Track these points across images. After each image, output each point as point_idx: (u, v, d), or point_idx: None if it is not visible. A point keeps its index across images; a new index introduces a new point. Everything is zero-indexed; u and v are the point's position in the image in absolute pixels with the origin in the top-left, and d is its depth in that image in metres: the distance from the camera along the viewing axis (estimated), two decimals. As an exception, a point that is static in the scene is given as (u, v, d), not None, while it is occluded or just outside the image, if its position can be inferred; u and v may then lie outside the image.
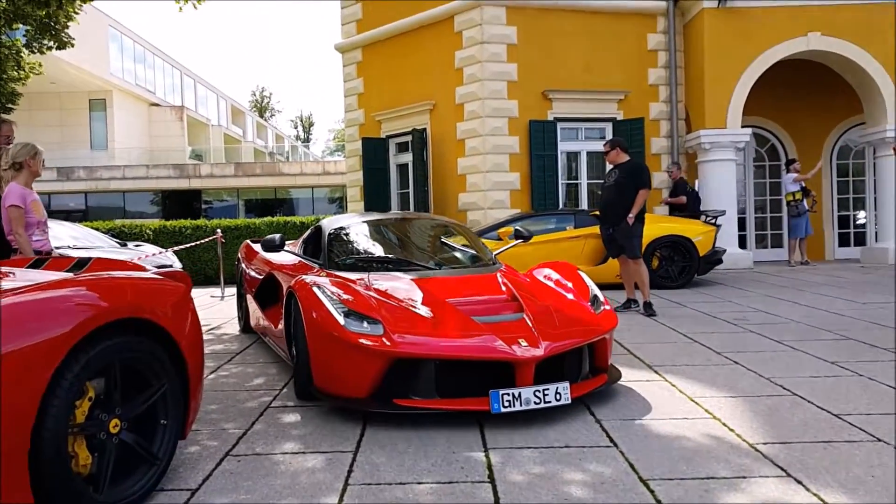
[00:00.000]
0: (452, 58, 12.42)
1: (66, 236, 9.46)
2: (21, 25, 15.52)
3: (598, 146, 12.67)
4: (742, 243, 13.73)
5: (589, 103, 12.54)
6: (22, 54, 16.71)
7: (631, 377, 4.36)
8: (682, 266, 9.49)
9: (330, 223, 5.42)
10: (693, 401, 3.85)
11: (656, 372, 4.54)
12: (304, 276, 4.30)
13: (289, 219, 13.23)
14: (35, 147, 4.60)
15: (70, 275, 2.92)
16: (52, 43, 16.70)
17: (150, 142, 37.84)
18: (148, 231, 11.63)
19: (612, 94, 12.61)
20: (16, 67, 16.65)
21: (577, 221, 9.57)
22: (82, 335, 2.39)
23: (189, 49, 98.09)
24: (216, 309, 8.28)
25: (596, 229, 9.31)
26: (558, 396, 3.45)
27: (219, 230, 9.79)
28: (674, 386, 4.18)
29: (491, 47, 11.99)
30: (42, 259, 3.77)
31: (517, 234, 5.91)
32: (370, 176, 13.50)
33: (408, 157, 13.32)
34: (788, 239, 13.24)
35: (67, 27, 16.25)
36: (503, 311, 3.89)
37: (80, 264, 3.50)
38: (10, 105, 16.61)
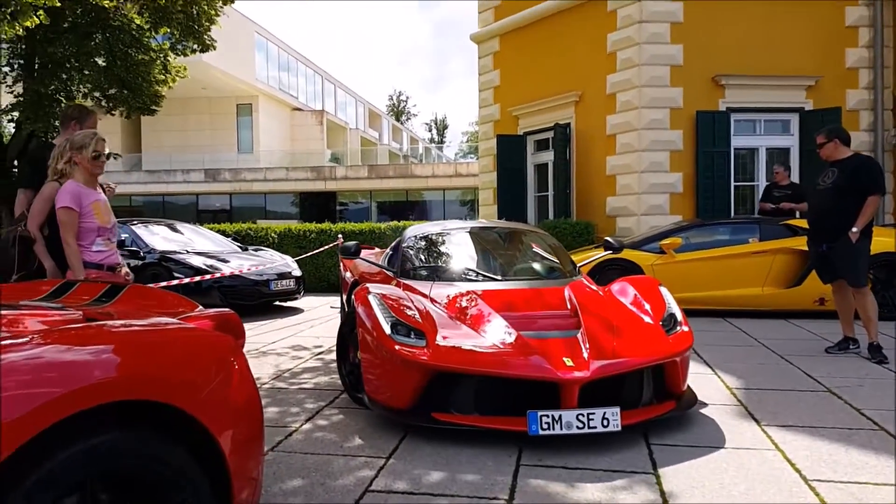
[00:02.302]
0: (604, 41, 10.85)
1: (182, 240, 9.00)
2: (167, 29, 15.83)
3: (781, 141, 10.62)
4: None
5: (770, 90, 10.46)
6: (169, 58, 17.16)
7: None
8: (905, 292, 7.36)
9: (411, 231, 5.52)
10: None
11: None
12: (368, 284, 4.28)
13: (410, 223, 12.26)
14: (84, 138, 3.67)
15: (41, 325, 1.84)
16: (195, 45, 16.90)
17: (291, 145, 39.04)
18: (273, 234, 11.08)
19: (800, 79, 10.45)
20: (163, 71, 17.10)
21: (764, 233, 7.71)
22: (31, 434, 1.30)
23: (330, 54, 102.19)
24: (332, 324, 7.36)
25: (788, 242, 7.47)
26: (605, 423, 3.16)
27: (340, 235, 8.92)
28: None
29: (651, 27, 10.29)
30: (70, 283, 2.79)
31: (607, 245, 5.50)
32: (505, 177, 12.21)
33: (548, 156, 11.89)
34: None
35: (209, 29, 16.39)
36: (559, 328, 3.69)
37: (112, 292, 2.48)
38: (153, 107, 17.07)
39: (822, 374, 4.62)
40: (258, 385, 4.58)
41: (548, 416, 3.17)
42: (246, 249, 9.35)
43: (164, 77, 17.10)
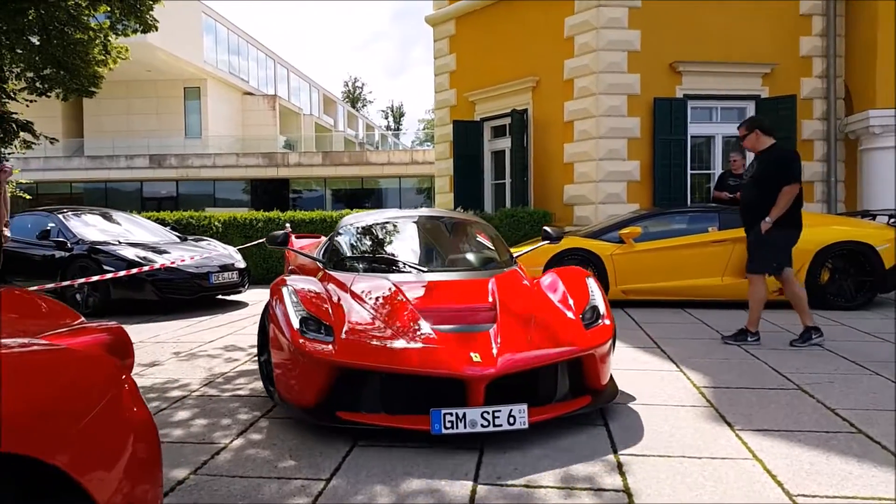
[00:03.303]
0: (561, 25, 10.57)
1: (116, 230, 8.39)
2: (107, 7, 14.97)
3: (735, 129, 10.53)
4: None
5: (727, 77, 10.37)
6: (109, 38, 16.23)
7: None
8: (861, 281, 7.31)
9: (346, 220, 5.41)
10: None
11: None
12: (288, 277, 4.13)
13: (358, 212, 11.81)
14: None
15: None
16: (137, 25, 16.03)
17: (242, 130, 37.87)
18: (216, 223, 10.48)
19: (756, 66, 10.40)
20: (103, 52, 16.17)
21: (723, 221, 7.54)
22: None
23: (284, 38, 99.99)
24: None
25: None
26: (512, 420, 3.02)
27: (288, 224, 8.45)
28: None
29: (609, 11, 10.05)
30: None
31: (545, 235, 5.33)
32: (461, 164, 11.87)
33: (505, 143, 11.59)
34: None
35: (152, 9, 15.56)
36: (474, 321, 3.53)
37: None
38: (92, 88, 16.13)
39: (790, 370, 4.42)
40: (188, 392, 4.17)
41: (451, 414, 3.03)
42: (185, 240, 8.78)
43: (103, 58, 16.18)
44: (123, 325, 5.59)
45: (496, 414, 3.02)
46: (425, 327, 3.41)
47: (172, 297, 7.38)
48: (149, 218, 10.03)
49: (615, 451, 3.01)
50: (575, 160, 10.50)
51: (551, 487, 2.65)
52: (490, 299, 3.78)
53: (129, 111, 34.54)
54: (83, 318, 1.91)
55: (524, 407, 3.06)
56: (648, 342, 5.46)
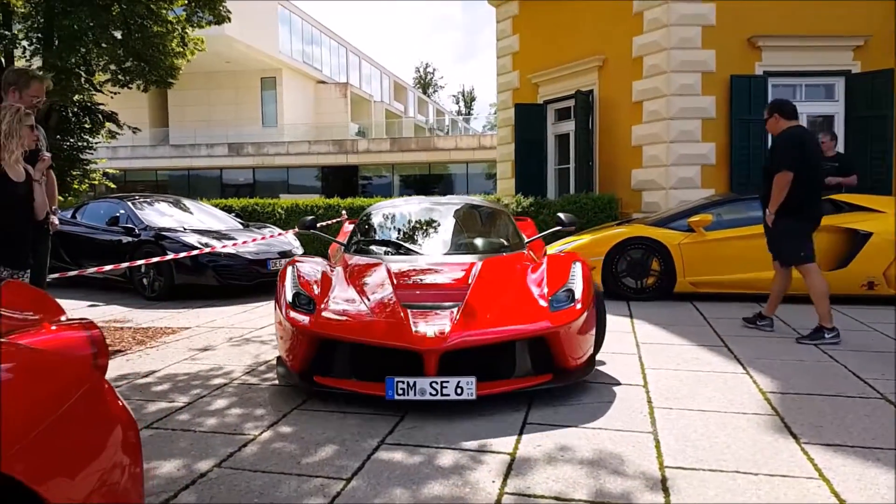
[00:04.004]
0: (629, 1, 10.05)
1: (182, 217, 8.61)
2: (183, 1, 15.45)
3: (824, 108, 9.78)
4: None
5: (812, 52, 9.59)
6: (187, 31, 16.73)
7: None
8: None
9: (372, 207, 5.90)
10: None
11: None
12: (299, 257, 4.76)
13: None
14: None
15: None
16: (210, 17, 16.48)
17: (315, 118, 38.58)
18: (279, 210, 10.63)
19: (846, 39, 9.55)
20: (180, 44, 16.69)
21: (803, 208, 6.97)
22: None
23: (356, 26, 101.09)
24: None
25: (832, 220, 6.76)
26: (459, 391, 3.31)
27: (344, 211, 8.43)
28: None
29: (682, -17, 9.47)
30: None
31: (558, 221, 5.51)
32: (523, 149, 11.54)
33: (569, 126, 11.18)
34: None
35: (224, 1, 15.96)
36: (442, 300, 3.82)
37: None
38: (170, 79, 16.69)
39: (874, 376, 3.98)
40: (229, 380, 4.16)
41: (403, 382, 3.32)
42: (248, 226, 8.92)
43: (181, 50, 16.71)
44: (185, 309, 5.75)
45: (444, 384, 3.30)
46: (395, 304, 3.74)
47: (232, 282, 7.49)
48: (216, 205, 10.27)
49: (661, 464, 2.75)
50: (644, 143, 10.01)
51: (582, 502, 2.42)
52: (469, 281, 4.02)
53: (209, 101, 35.76)
54: (66, 316, 1.84)
55: (472, 379, 3.30)
56: (715, 340, 5.08)
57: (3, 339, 1.44)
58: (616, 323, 5.79)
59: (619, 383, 3.91)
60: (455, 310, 3.64)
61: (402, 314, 3.61)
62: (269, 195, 19.48)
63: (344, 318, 3.73)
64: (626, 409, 3.44)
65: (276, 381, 4.11)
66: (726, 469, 2.68)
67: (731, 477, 2.61)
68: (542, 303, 3.78)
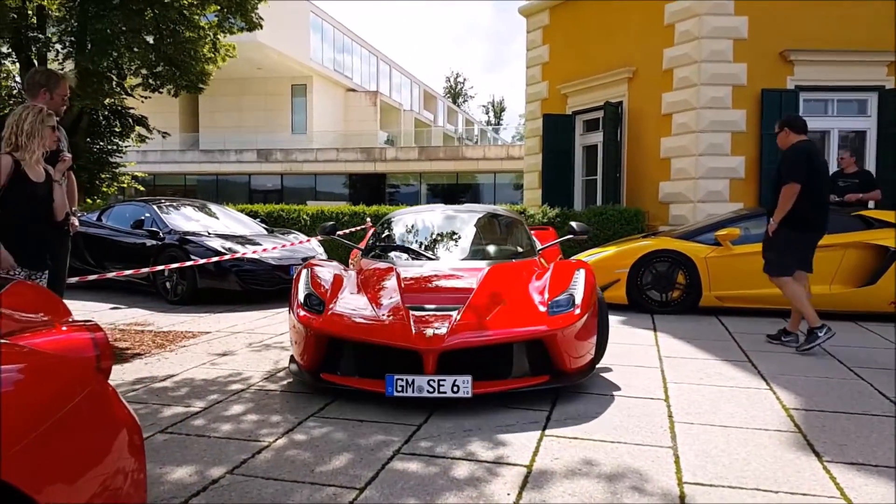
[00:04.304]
0: (661, 12, 9.98)
1: (207, 222, 8.71)
2: (216, 7, 15.69)
3: (856, 123, 9.59)
4: None
5: (845, 67, 9.42)
6: (218, 36, 16.99)
7: None
8: None
9: (392, 214, 6.11)
10: None
11: None
12: (315, 260, 5.14)
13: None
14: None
15: None
16: (242, 23, 16.68)
17: (345, 126, 38.89)
18: (304, 217, 10.71)
19: (880, 54, 9.37)
20: (212, 49, 16.95)
21: (834, 224, 6.77)
22: None
23: (386, 34, 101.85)
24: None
25: (861, 236, 6.69)
26: (455, 389, 3.45)
27: (368, 219, 8.46)
28: None
29: (713, -5, 9.37)
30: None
31: (570, 230, 5.69)
32: (551, 159, 11.49)
33: (597, 137, 11.11)
34: None
35: (257, 7, 16.14)
36: (445, 303, 3.98)
37: None
38: (200, 85, 16.95)
39: (902, 396, 3.86)
40: (247, 386, 4.18)
41: (402, 379, 3.47)
42: (272, 232, 8.99)
43: (212, 56, 16.96)
44: (207, 314, 5.79)
45: (441, 382, 3.44)
46: (400, 306, 3.91)
47: (254, 287, 7.55)
48: (241, 211, 10.37)
49: (680, 479, 2.69)
50: (672, 155, 9.90)
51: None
52: (474, 286, 4.18)
53: (240, 108, 36.28)
54: (73, 317, 1.85)
55: (468, 378, 3.45)
56: (739, 355, 4.97)
57: (3, 340, 1.45)
58: (640, 336, 5.71)
59: (640, 397, 3.84)
60: (456, 313, 3.80)
61: (404, 316, 3.79)
62: (296, 201, 19.63)
63: (350, 318, 3.90)
64: (646, 423, 3.38)
65: (295, 388, 4.12)
66: (746, 486, 2.62)
67: (750, 494, 2.54)
68: (541, 307, 3.91)
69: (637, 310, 6.92)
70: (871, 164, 9.28)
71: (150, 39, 15.56)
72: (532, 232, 7.77)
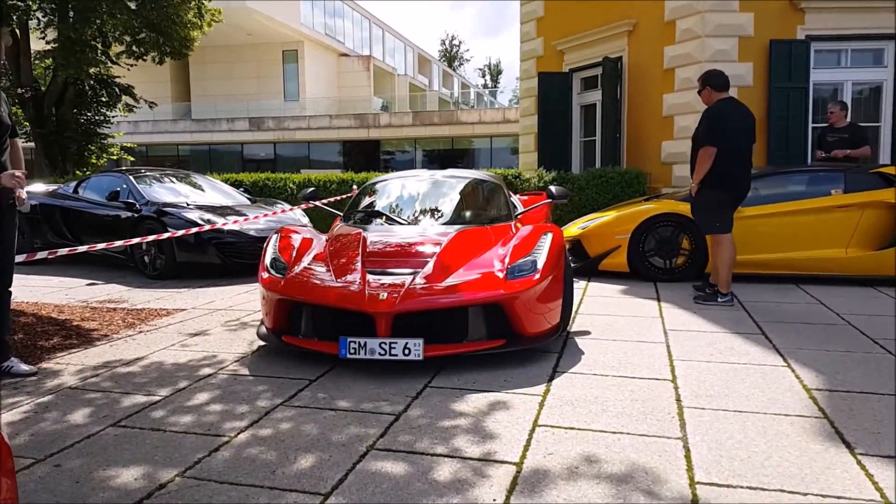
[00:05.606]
0: (662, -39, 9.41)
1: (187, 192, 8.29)
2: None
3: (871, 74, 9.10)
4: None
5: (860, 14, 8.89)
6: (204, 1, 16.36)
7: None
8: None
9: (371, 181, 6.12)
10: None
11: None
12: (289, 226, 5.05)
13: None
14: None
15: None
16: (227, -15, 15.97)
17: (338, 92, 38.14)
18: (291, 185, 10.28)
19: (898, -1, 8.82)
20: (197, 15, 16.35)
21: (850, 183, 6.41)
22: None
23: None
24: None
25: (880, 195, 6.25)
26: (406, 352, 3.51)
27: (355, 186, 8.06)
28: None
29: (718, -61, 8.80)
30: None
31: (548, 194, 5.69)
32: (547, 120, 11.00)
33: (595, 96, 10.62)
34: None
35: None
36: (403, 266, 4.01)
37: None
38: (184, 51, 16.37)
39: (935, 371, 3.50)
40: (217, 370, 3.82)
41: (355, 342, 3.56)
42: (255, 202, 8.58)
43: (197, 21, 16.37)
44: (186, 289, 5.46)
45: (392, 345, 3.50)
46: (359, 270, 3.96)
47: (235, 260, 7.17)
48: (225, 181, 9.94)
49: (692, 479, 2.34)
50: (675, 112, 9.42)
51: (598, 532, 2.03)
52: (437, 250, 4.18)
53: (231, 75, 35.50)
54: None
55: (419, 341, 3.50)
56: (751, 327, 4.61)
57: None
58: (643, 307, 5.35)
59: (644, 378, 3.49)
60: (410, 278, 3.82)
61: (361, 279, 3.83)
62: (291, 170, 19.17)
63: (308, 282, 3.98)
64: (652, 408, 3.03)
65: (267, 372, 3.77)
66: (769, 486, 2.27)
67: (774, 497, 2.19)
68: (499, 273, 3.89)
69: (639, 278, 6.55)
70: (886, 119, 8.84)
71: (133, 5, 14.97)
72: (526, 197, 7.41)
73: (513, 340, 3.74)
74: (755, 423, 2.84)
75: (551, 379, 3.50)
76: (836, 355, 3.84)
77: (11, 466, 1.24)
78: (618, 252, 6.66)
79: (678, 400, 3.14)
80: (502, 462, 2.51)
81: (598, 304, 5.49)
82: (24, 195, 3.62)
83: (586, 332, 4.51)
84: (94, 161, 17.00)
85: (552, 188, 5.68)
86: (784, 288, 6.09)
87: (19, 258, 4.00)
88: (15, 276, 3.91)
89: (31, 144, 15.81)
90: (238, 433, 2.87)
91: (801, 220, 6.34)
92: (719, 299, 5.30)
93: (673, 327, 4.62)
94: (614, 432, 2.77)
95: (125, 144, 19.22)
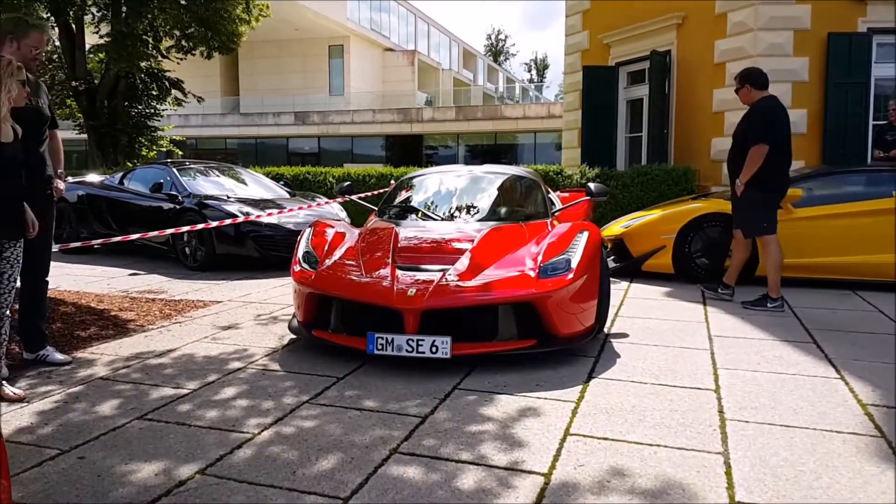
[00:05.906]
0: (714, -50, 9.07)
1: (229, 185, 8.38)
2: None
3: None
4: None
5: (928, 5, 8.40)
6: (252, -5, 16.56)
7: None
8: None
9: (407, 175, 6.11)
10: None
11: None
12: (329, 220, 5.33)
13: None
14: None
15: None
16: (276, -18, 16.12)
17: (382, 87, 38.28)
18: (331, 179, 10.30)
19: (970, -12, 8.31)
20: (245, 10, 16.55)
21: (917, 183, 6.06)
22: None
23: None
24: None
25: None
26: (434, 349, 3.45)
27: (393, 181, 8.00)
28: None
29: (775, -72, 8.43)
30: None
31: (587, 191, 5.55)
32: (591, 115, 10.75)
33: (642, 91, 10.33)
34: None
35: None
36: (437, 263, 3.95)
37: None
38: (232, 46, 16.60)
39: None
40: (246, 364, 3.80)
41: (383, 338, 3.52)
42: (294, 195, 8.61)
43: (245, 17, 16.58)
44: (224, 281, 5.53)
45: (420, 342, 3.46)
46: (389, 265, 3.92)
47: (273, 253, 7.20)
48: (267, 174, 10.02)
49: (731, 498, 2.18)
50: (726, 108, 9.09)
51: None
52: (469, 246, 4.13)
53: (278, 70, 35.96)
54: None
55: (447, 339, 3.44)
56: (802, 335, 4.37)
57: None
58: (687, 310, 5.15)
59: (685, 386, 3.32)
60: (440, 275, 3.76)
61: (390, 275, 3.79)
62: (334, 164, 19.28)
63: (338, 276, 3.96)
64: (692, 420, 2.87)
65: (296, 368, 3.73)
66: (819, 512, 2.10)
67: (826, 524, 2.02)
68: (531, 271, 3.79)
69: (684, 280, 6.32)
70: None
71: (183, 1, 15.27)
72: (567, 193, 7.23)
73: (544, 341, 3.65)
74: (803, 439, 2.66)
75: (586, 384, 3.36)
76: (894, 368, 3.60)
77: (5, 466, 1.18)
78: (662, 252, 6.44)
79: (721, 412, 2.97)
80: (530, 472, 2.40)
81: (639, 307, 5.30)
82: (61, 186, 3.66)
83: (625, 336, 4.34)
84: (145, 153, 17.41)
85: (591, 185, 5.54)
86: (839, 294, 5.78)
87: (53, 248, 4.05)
88: (60, 264, 3.97)
89: (84, 136, 16.29)
90: (261, 430, 2.82)
91: (859, 222, 6.02)
92: (769, 304, 5.10)
93: (718, 333, 4.41)
94: (650, 444, 2.62)
95: (174, 137, 19.63)
